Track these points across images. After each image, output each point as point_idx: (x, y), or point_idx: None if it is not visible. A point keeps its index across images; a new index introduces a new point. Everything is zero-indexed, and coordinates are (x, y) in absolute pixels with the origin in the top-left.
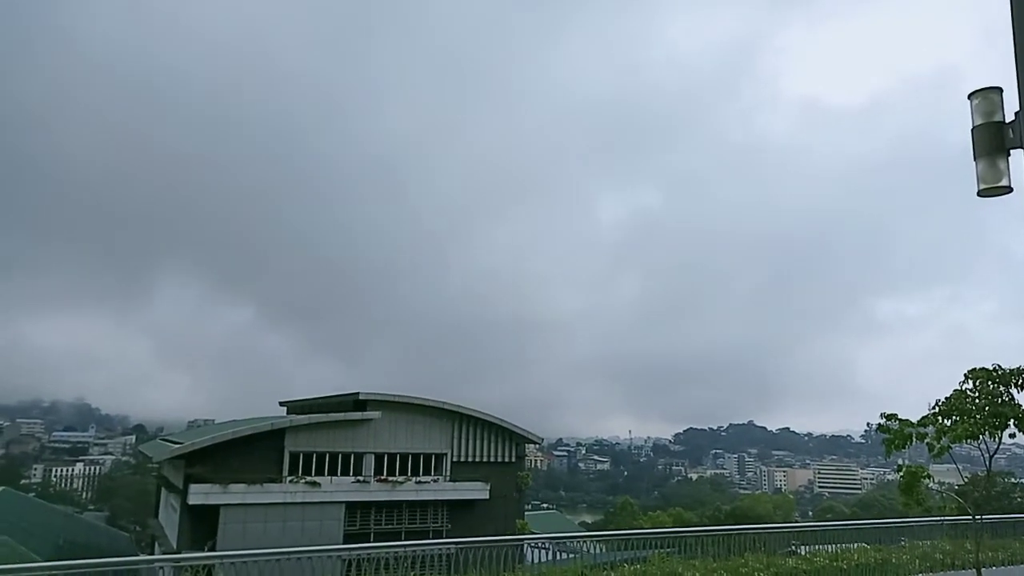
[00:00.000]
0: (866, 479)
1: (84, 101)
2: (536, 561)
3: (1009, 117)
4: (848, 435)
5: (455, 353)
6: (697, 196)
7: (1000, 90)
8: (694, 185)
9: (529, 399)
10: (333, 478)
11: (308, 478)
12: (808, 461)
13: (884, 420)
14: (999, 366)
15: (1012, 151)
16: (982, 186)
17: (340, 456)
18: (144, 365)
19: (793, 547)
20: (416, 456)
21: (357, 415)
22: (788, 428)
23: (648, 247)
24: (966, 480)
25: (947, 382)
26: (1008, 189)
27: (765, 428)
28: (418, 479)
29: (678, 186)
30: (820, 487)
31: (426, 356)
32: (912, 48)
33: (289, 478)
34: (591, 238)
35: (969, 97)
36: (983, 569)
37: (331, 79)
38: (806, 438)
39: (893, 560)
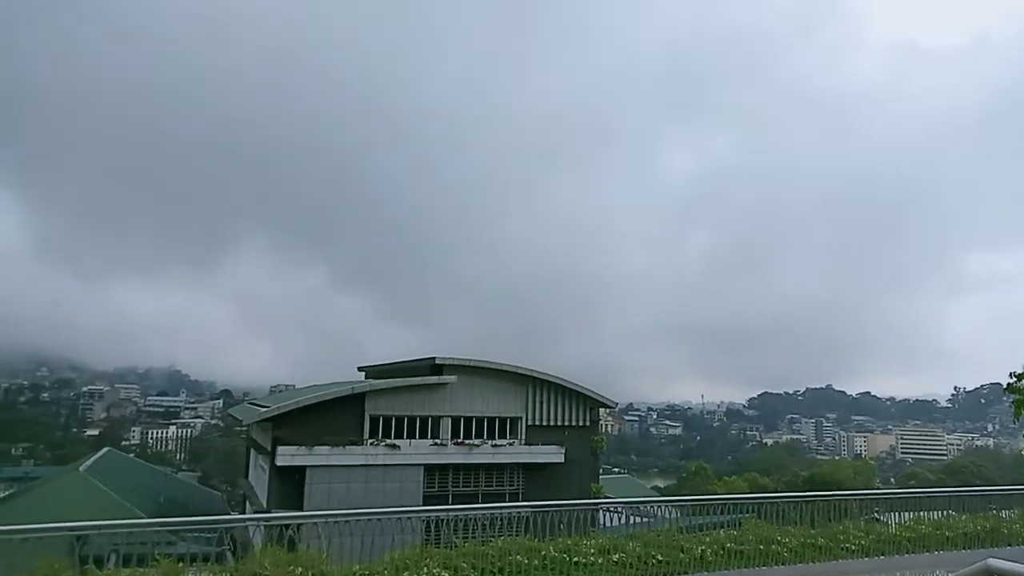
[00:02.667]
0: (952, 444)
1: (164, 53)
2: (610, 525)
3: None
4: (934, 399)
5: (522, 314)
6: (773, 145)
7: None
8: (769, 134)
9: (598, 361)
10: (412, 441)
11: (388, 441)
12: (890, 426)
13: (1014, 379)
14: None
15: None
16: None
17: (418, 419)
18: (226, 330)
19: (876, 514)
20: (492, 420)
21: (434, 379)
22: (869, 392)
23: (718, 199)
24: None
25: None
26: None
27: (844, 392)
28: (494, 442)
29: (752, 134)
30: (903, 453)
31: (494, 317)
32: None
33: (370, 441)
34: (659, 190)
35: None
36: None
37: (392, 28)
38: (888, 402)
39: (1004, 530)
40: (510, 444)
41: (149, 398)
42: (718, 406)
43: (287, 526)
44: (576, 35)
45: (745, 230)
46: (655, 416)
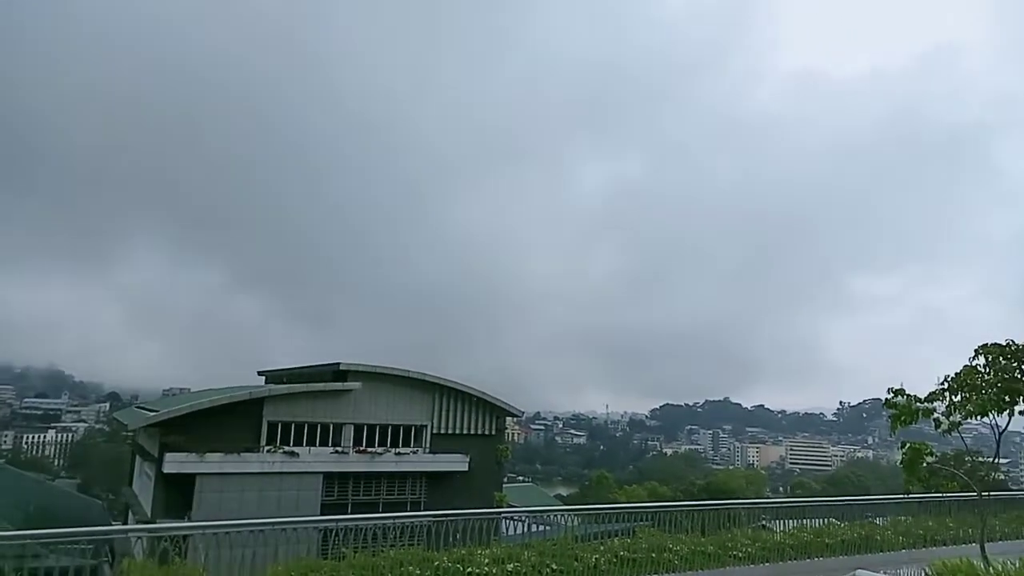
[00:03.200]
0: (836, 456)
1: (52, 55)
2: (512, 533)
3: None
4: (821, 412)
5: (431, 322)
6: (682, 166)
7: None
8: (679, 155)
9: (506, 371)
10: (311, 448)
11: (286, 448)
12: (781, 438)
13: (891, 395)
14: (1012, 341)
15: None
16: None
17: (319, 426)
18: (116, 330)
19: (764, 522)
20: (396, 428)
21: (337, 386)
22: (763, 405)
23: (629, 216)
24: (937, 457)
25: (918, 360)
26: None
27: (740, 405)
28: (397, 450)
29: (662, 155)
30: (792, 463)
31: (402, 325)
32: (909, 24)
33: (267, 448)
34: (571, 205)
35: None
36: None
37: (305, 37)
38: (779, 415)
39: (878, 537)
40: (414, 452)
41: (26, 400)
42: (622, 416)
43: (170, 537)
44: (492, 52)
45: (652, 247)
46: (561, 425)
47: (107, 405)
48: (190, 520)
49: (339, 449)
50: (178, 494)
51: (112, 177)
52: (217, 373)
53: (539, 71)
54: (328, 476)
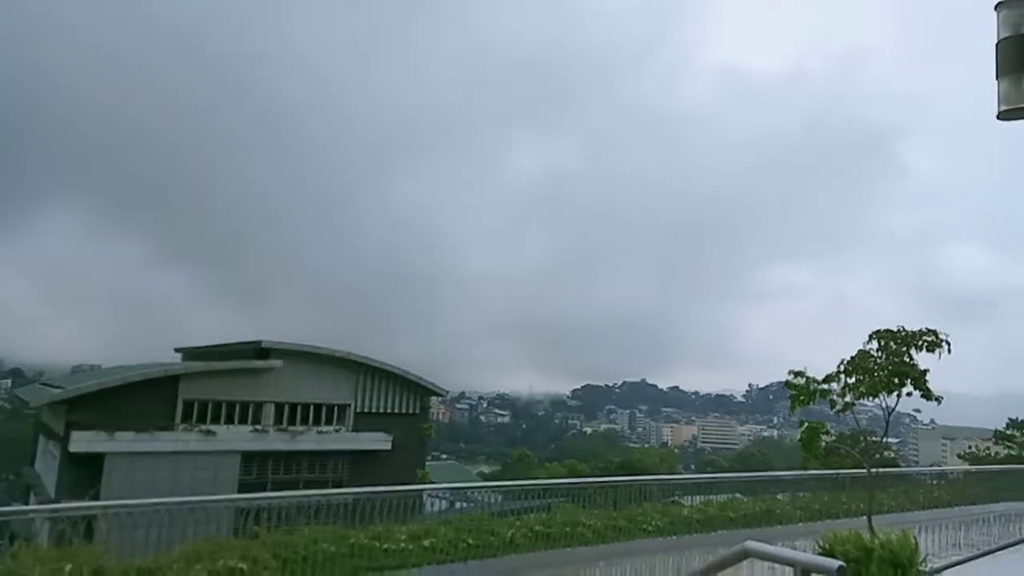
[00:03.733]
0: (744, 435)
1: None
2: (433, 510)
3: None
4: (731, 394)
5: (362, 304)
6: (612, 156)
7: None
8: (610, 145)
9: (436, 353)
10: (230, 427)
11: (203, 426)
12: (694, 418)
13: (792, 377)
14: (903, 328)
15: None
16: (1004, 107)
17: (238, 405)
18: (24, 304)
19: (675, 497)
20: (319, 406)
21: (258, 363)
22: (678, 387)
23: (560, 204)
24: (834, 436)
25: (825, 347)
26: None
27: (656, 386)
28: (319, 429)
29: (594, 144)
30: (703, 442)
31: (332, 306)
32: (825, 27)
33: (182, 426)
34: (503, 191)
35: (996, 8)
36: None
37: (233, 13)
38: (693, 396)
39: (777, 511)
40: (336, 431)
41: None
42: (545, 396)
43: (77, 519)
44: (429, 36)
45: (582, 234)
46: (486, 405)
47: (9, 382)
48: (96, 500)
49: (259, 428)
50: (85, 474)
51: (25, 141)
52: (133, 351)
53: (476, 56)
54: (247, 455)
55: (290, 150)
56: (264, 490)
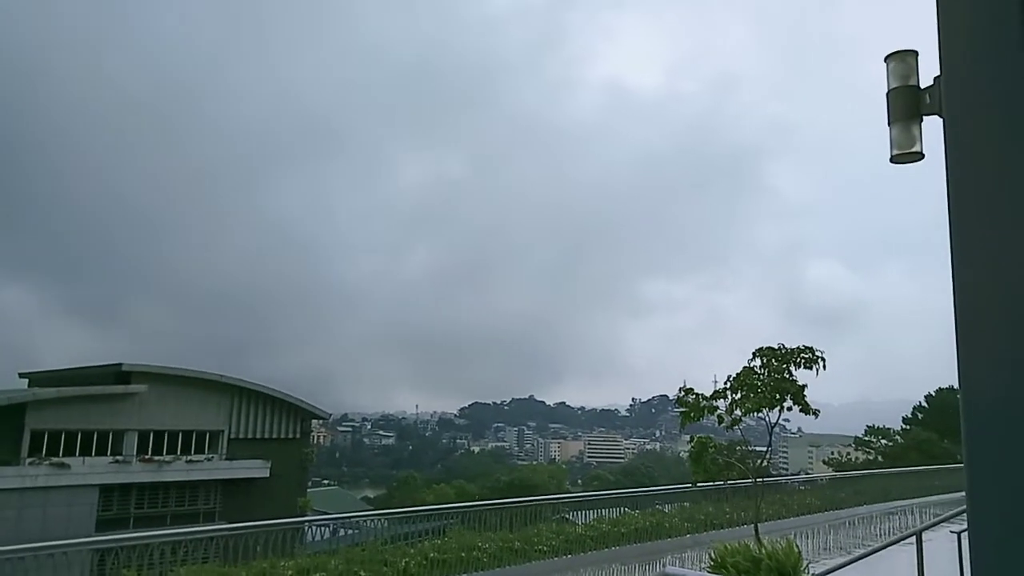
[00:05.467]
0: (629, 449)
1: None
2: (317, 539)
3: (925, 82)
4: (616, 408)
5: (235, 320)
6: (500, 167)
7: (916, 53)
8: (497, 156)
9: (315, 372)
10: (87, 459)
11: (54, 459)
12: (580, 433)
13: (682, 394)
14: (783, 345)
15: (925, 116)
16: (896, 151)
17: (96, 434)
18: None
19: (565, 515)
20: (188, 433)
21: (119, 389)
22: (564, 403)
23: (446, 216)
24: (721, 449)
25: (703, 360)
26: (920, 155)
27: (544, 402)
28: (189, 458)
29: (481, 155)
30: (589, 457)
31: (202, 322)
32: (700, 50)
33: (29, 460)
34: (389, 201)
35: (886, 59)
36: (760, 524)
37: (82, 14)
38: (579, 411)
39: (666, 524)
40: (208, 459)
41: None
42: (431, 416)
43: None
44: (308, 38)
45: (468, 247)
46: (370, 426)
47: None
48: None
49: (120, 458)
50: None
51: None
52: None
53: (358, 60)
54: (106, 489)
55: (150, 152)
56: (127, 526)
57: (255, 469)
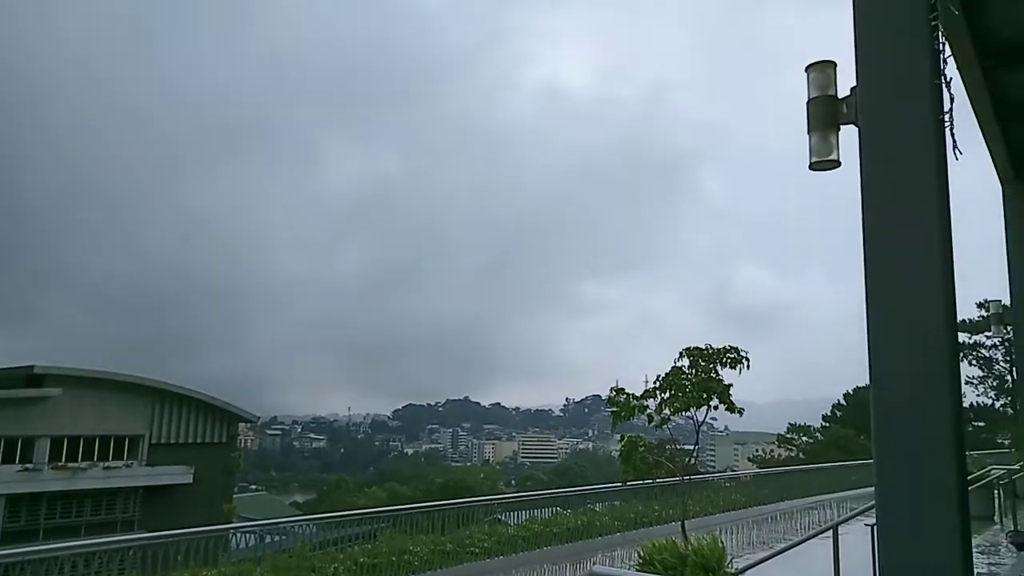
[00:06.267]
0: (562, 448)
1: None
2: (243, 547)
3: (843, 92)
4: (550, 408)
5: (156, 320)
6: (433, 166)
7: (834, 64)
8: (431, 155)
9: (243, 373)
10: None
11: None
12: (514, 433)
13: (613, 394)
14: (710, 345)
15: (842, 125)
16: (814, 159)
17: (3, 440)
18: None
19: (498, 516)
20: (106, 439)
21: (30, 392)
22: (499, 403)
23: (378, 215)
24: (650, 447)
25: (634, 360)
26: (837, 163)
27: (479, 403)
28: (106, 464)
29: (414, 154)
30: (523, 457)
31: (120, 322)
32: (634, 57)
33: None
34: (319, 198)
35: (806, 70)
36: (687, 521)
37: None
38: (514, 412)
39: (597, 523)
40: (127, 466)
41: None
42: (364, 417)
43: None
44: (237, 31)
45: (401, 246)
46: (300, 429)
47: None
48: None
49: (30, 466)
50: None
51: None
52: None
53: (283, 61)
54: (13, 499)
55: (63, 141)
56: (36, 537)
57: (178, 475)
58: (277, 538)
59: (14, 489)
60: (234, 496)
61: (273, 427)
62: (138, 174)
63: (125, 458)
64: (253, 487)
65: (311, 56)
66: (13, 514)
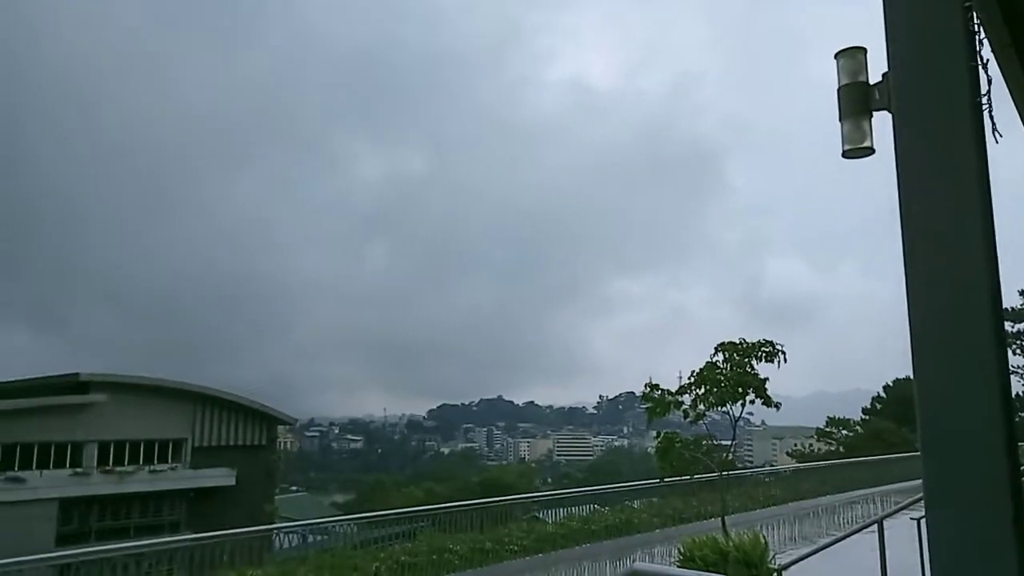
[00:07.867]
0: (597, 446)
1: None
2: (287, 547)
3: (874, 78)
4: (583, 406)
5: (188, 323)
6: (460, 164)
7: (865, 50)
8: (457, 153)
9: (279, 376)
10: (44, 472)
11: (9, 473)
12: (549, 432)
13: (647, 390)
14: (744, 340)
15: (875, 112)
16: (847, 147)
17: (54, 446)
18: None
19: (536, 513)
20: (151, 443)
21: (76, 399)
22: (532, 402)
23: (406, 212)
24: (687, 443)
25: (667, 356)
26: (871, 150)
27: (512, 402)
28: (152, 468)
29: (440, 152)
30: (558, 455)
31: (153, 327)
32: (660, 50)
33: None
34: (344, 198)
35: (836, 56)
36: (726, 517)
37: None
38: (547, 410)
39: (635, 520)
40: (172, 469)
41: None
42: (400, 418)
43: None
44: (254, 28)
45: (430, 245)
46: (337, 431)
47: None
48: None
49: (80, 470)
50: None
51: None
52: None
53: (307, 59)
54: (66, 502)
55: (83, 143)
56: (88, 540)
57: (220, 477)
58: (319, 538)
59: (67, 493)
60: (276, 497)
61: (311, 429)
62: (164, 175)
63: (169, 461)
64: (294, 488)
65: (332, 57)
66: (67, 517)
